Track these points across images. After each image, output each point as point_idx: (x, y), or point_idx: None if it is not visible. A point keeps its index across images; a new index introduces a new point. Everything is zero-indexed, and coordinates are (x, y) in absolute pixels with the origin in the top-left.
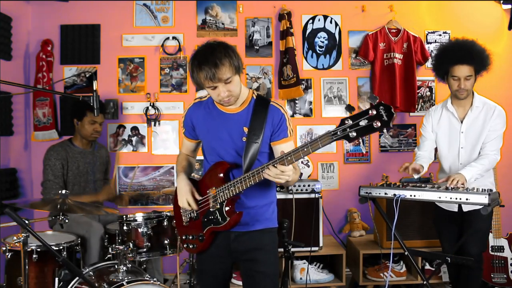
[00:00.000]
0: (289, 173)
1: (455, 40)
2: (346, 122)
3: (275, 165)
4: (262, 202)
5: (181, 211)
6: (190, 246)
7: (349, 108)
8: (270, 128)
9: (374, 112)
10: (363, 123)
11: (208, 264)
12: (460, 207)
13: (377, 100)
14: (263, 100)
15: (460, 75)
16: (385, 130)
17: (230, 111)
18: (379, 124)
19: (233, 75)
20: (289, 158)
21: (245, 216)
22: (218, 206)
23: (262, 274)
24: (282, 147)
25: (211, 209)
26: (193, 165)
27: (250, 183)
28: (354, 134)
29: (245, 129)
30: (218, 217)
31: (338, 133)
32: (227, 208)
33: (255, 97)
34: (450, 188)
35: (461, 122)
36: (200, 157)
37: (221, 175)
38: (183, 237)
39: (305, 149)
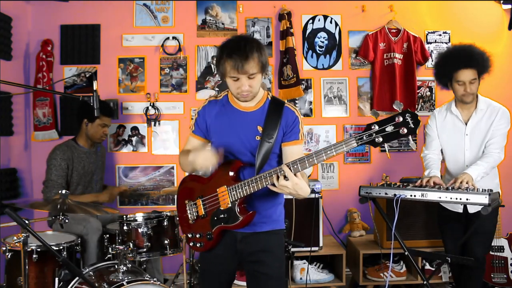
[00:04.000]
0: (299, 185)
1: (453, 46)
2: (372, 127)
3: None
4: (270, 203)
5: (187, 208)
6: (198, 245)
7: (375, 113)
8: (283, 129)
9: (401, 119)
10: (389, 129)
11: (213, 264)
12: (465, 208)
13: (402, 107)
14: (278, 101)
15: (465, 79)
16: (410, 137)
17: (245, 109)
18: (405, 130)
19: (258, 72)
20: (310, 160)
21: None
22: (230, 205)
23: (267, 276)
24: (291, 149)
25: (221, 208)
26: None
27: (267, 183)
28: (381, 139)
29: (259, 128)
30: (230, 216)
31: (364, 137)
32: (239, 208)
33: (269, 98)
34: (455, 188)
35: (466, 124)
36: None
37: (232, 173)
38: (189, 235)
39: (329, 152)
